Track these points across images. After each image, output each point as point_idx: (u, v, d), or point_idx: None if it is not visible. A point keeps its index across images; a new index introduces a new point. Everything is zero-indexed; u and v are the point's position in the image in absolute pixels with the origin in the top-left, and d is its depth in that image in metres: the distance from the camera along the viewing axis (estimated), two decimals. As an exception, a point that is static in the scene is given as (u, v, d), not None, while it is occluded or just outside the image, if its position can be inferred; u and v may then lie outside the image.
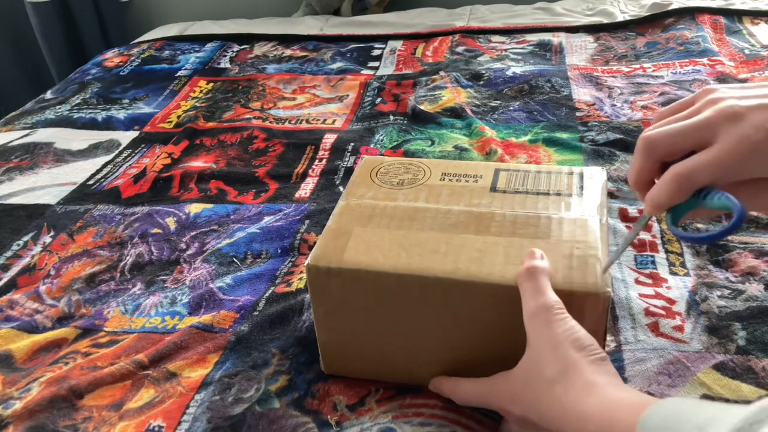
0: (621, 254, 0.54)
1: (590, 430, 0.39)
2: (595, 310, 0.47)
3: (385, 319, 0.53)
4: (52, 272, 0.77)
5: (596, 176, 0.59)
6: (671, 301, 0.64)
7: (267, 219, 0.83)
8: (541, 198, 0.57)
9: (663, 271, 0.68)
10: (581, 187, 0.58)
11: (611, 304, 0.63)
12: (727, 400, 0.53)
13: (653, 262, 0.70)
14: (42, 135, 1.14)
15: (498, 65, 1.26)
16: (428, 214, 0.56)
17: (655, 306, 0.63)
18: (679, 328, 0.60)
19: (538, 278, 0.46)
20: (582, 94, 1.11)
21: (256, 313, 0.67)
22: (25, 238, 0.85)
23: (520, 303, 0.47)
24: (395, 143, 1.00)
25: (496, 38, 1.43)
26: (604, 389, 0.40)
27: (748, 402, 0.42)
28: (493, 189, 0.58)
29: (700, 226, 0.72)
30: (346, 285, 0.52)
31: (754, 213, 0.74)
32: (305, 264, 0.52)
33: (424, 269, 0.50)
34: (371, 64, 1.35)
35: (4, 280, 0.77)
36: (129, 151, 1.06)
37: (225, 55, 1.45)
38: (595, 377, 0.41)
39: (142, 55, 1.48)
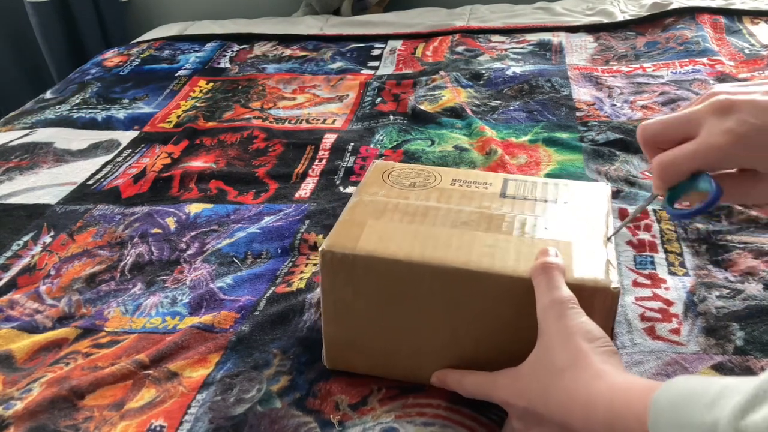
0: (629, 222, 0.64)
1: (599, 415, 0.39)
2: (604, 306, 0.48)
3: (394, 310, 0.53)
4: (52, 272, 0.78)
5: (601, 189, 0.61)
6: (668, 303, 0.64)
7: (267, 219, 0.84)
8: (550, 205, 0.58)
9: (662, 271, 0.68)
10: (587, 198, 0.59)
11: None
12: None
13: (652, 263, 0.70)
14: (42, 135, 1.13)
15: (498, 65, 1.26)
16: (440, 212, 0.57)
17: (652, 309, 0.64)
18: (676, 331, 0.60)
19: (553, 273, 0.47)
20: (582, 93, 1.11)
21: (256, 313, 0.67)
22: (25, 238, 0.85)
23: (531, 297, 0.47)
24: (395, 143, 1.00)
25: (496, 38, 1.43)
26: (612, 376, 0.41)
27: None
28: (503, 195, 0.59)
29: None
30: (358, 272, 0.52)
31: (755, 210, 0.75)
32: (320, 249, 0.53)
33: (437, 259, 0.51)
34: (371, 63, 1.35)
35: (4, 280, 0.77)
36: (129, 151, 1.06)
37: (225, 55, 1.45)
38: (604, 366, 0.42)
39: (142, 55, 1.48)
